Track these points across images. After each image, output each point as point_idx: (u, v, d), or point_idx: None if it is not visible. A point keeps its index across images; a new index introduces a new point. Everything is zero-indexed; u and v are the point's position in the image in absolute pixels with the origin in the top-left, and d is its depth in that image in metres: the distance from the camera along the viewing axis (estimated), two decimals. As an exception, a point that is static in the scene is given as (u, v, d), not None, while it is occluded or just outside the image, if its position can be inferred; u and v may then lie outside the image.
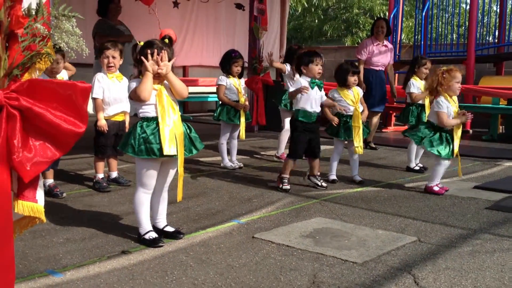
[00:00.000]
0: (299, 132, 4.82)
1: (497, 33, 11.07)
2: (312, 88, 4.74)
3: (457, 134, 4.69)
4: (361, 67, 7.33)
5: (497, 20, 11.40)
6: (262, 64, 8.76)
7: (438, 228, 3.74)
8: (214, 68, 11.33)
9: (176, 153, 3.15)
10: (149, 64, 3.12)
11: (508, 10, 11.52)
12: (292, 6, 19.72)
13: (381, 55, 7.62)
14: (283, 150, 6.44)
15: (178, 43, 11.04)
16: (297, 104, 4.81)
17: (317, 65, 4.74)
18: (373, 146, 7.67)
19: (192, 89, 10.98)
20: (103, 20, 6.66)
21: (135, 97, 3.15)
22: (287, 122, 6.14)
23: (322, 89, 4.88)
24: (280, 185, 4.83)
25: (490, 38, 11.54)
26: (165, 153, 3.11)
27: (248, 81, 7.17)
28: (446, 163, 4.75)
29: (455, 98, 4.76)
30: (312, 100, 4.78)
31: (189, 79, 11.17)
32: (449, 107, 4.68)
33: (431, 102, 5.61)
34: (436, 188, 4.82)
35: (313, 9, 21.53)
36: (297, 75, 5.04)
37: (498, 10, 11.34)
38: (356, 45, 10.06)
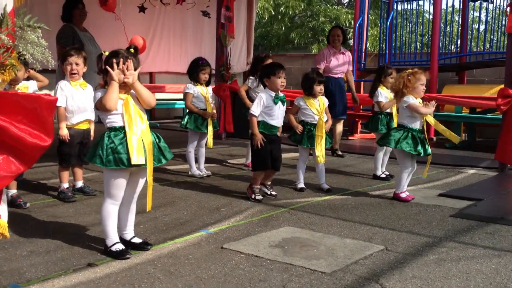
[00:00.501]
0: (260, 143, 4.68)
1: (459, 43, 11.34)
2: (275, 103, 4.72)
3: (440, 128, 4.94)
4: None
5: (459, 30, 11.68)
6: (230, 71, 8.78)
7: (405, 236, 3.79)
8: (181, 75, 11.26)
9: (144, 163, 3.11)
10: (115, 73, 3.08)
11: (469, 21, 11.81)
12: (259, 14, 19.77)
13: (339, 63, 7.72)
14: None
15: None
16: (259, 116, 4.72)
17: (279, 77, 4.69)
18: (340, 153, 7.74)
19: (159, 95, 10.88)
20: (68, 27, 6.53)
21: (101, 107, 3.11)
22: None
23: (285, 103, 4.84)
24: (252, 196, 4.77)
25: (453, 48, 11.81)
26: (133, 162, 3.07)
27: (215, 89, 7.16)
28: (407, 167, 4.82)
29: (420, 100, 4.84)
30: (275, 115, 4.75)
31: (156, 86, 11.08)
32: (416, 103, 4.75)
33: (398, 110, 5.71)
34: (403, 195, 4.89)
35: (280, 17, 21.63)
36: (260, 93, 4.86)
37: (460, 21, 11.61)
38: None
